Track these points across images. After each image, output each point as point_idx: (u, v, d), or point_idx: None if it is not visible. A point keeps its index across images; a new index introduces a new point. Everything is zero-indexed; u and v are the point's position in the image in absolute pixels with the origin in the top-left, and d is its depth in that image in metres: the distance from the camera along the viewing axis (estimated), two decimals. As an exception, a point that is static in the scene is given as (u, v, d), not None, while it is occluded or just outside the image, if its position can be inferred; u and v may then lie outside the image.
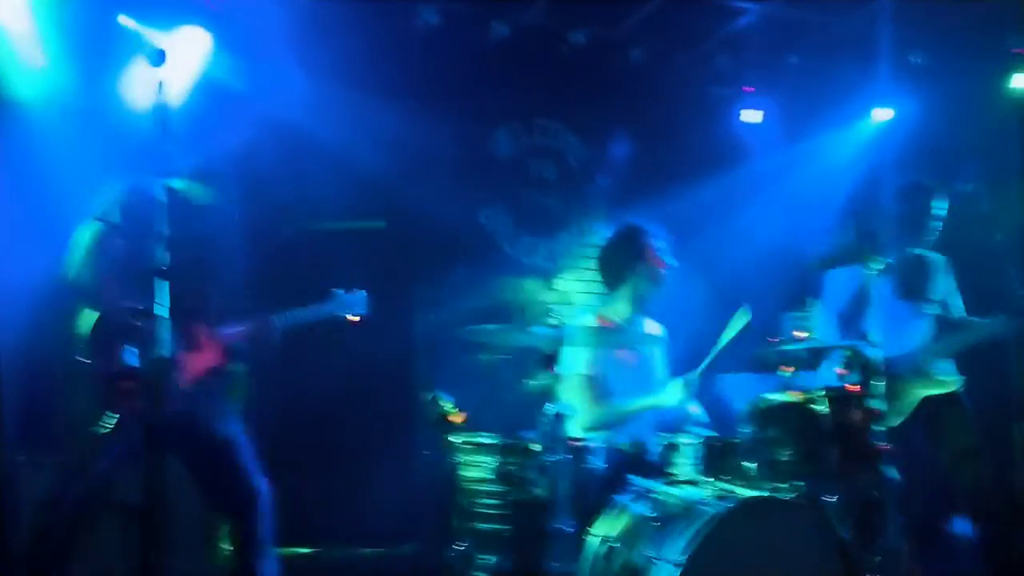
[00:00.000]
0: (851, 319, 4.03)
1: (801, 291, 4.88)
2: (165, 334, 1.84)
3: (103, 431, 2.72)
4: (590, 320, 3.73)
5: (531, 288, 5.92)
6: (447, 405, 3.41)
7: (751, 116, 6.42)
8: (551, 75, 5.97)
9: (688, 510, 2.81)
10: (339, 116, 5.14)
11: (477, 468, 3.11)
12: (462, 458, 3.16)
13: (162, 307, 1.88)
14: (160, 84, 2.30)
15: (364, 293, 3.56)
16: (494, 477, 3.04)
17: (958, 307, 4.06)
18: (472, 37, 5.59)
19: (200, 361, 3.04)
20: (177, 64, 4.60)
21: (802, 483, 2.96)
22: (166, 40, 4.56)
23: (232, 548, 3.15)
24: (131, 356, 2.60)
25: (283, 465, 4.98)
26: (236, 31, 4.88)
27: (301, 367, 4.95)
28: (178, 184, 3.16)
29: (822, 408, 2.94)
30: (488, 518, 3.05)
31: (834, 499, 2.99)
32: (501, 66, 5.71)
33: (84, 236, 2.86)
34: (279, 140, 5.03)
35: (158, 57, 2.34)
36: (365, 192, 5.25)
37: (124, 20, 4.62)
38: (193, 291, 2.94)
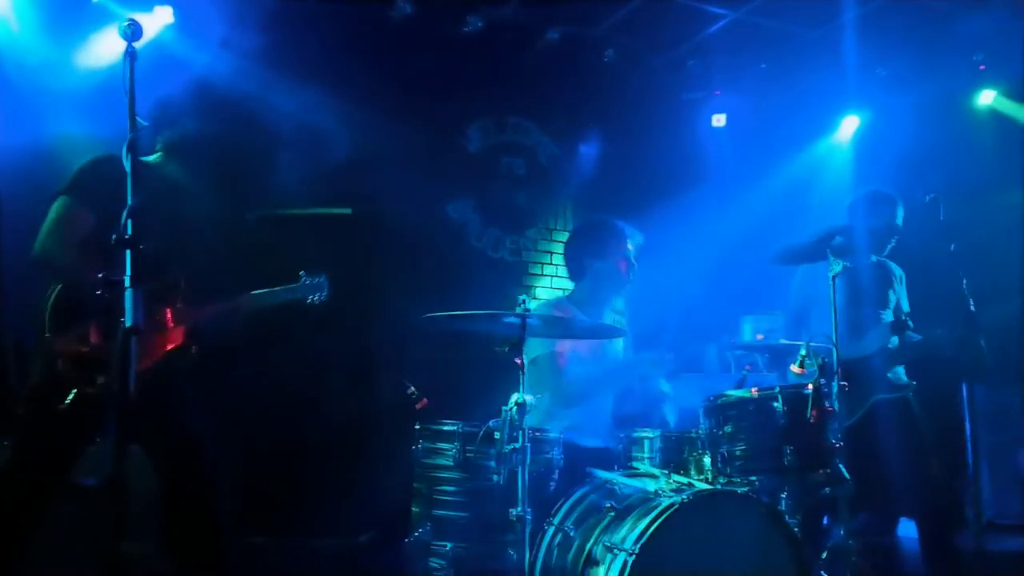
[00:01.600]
0: (808, 320, 4.11)
1: (761, 292, 4.98)
2: (130, 306, 1.82)
3: (62, 407, 2.67)
4: (552, 310, 3.75)
5: (496, 280, 5.96)
6: (410, 392, 3.41)
7: (720, 120, 6.52)
8: (524, 72, 6.01)
9: (644, 501, 2.85)
10: (309, 103, 5.11)
11: (437, 455, 3.11)
12: (423, 445, 3.16)
13: (127, 278, 1.86)
14: (129, 57, 2.24)
15: (325, 278, 3.52)
16: (453, 464, 3.05)
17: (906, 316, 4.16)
18: (447, 29, 5.60)
19: (164, 341, 2.99)
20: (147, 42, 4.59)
21: (755, 478, 3.01)
22: (140, 18, 4.52)
23: (181, 536, 3.06)
24: (94, 329, 2.58)
25: (241, 454, 4.98)
26: (204, 17, 4.84)
27: (259, 356, 4.93)
28: (150, 159, 3.14)
29: (777, 405, 2.99)
30: (447, 505, 3.06)
31: (786, 494, 3.06)
32: (475, 60, 5.74)
33: (51, 209, 2.82)
34: (247, 125, 5.02)
35: (132, 31, 2.28)
36: (333, 179, 5.24)
37: (97, -3, 4.58)
38: (161, 269, 2.92)
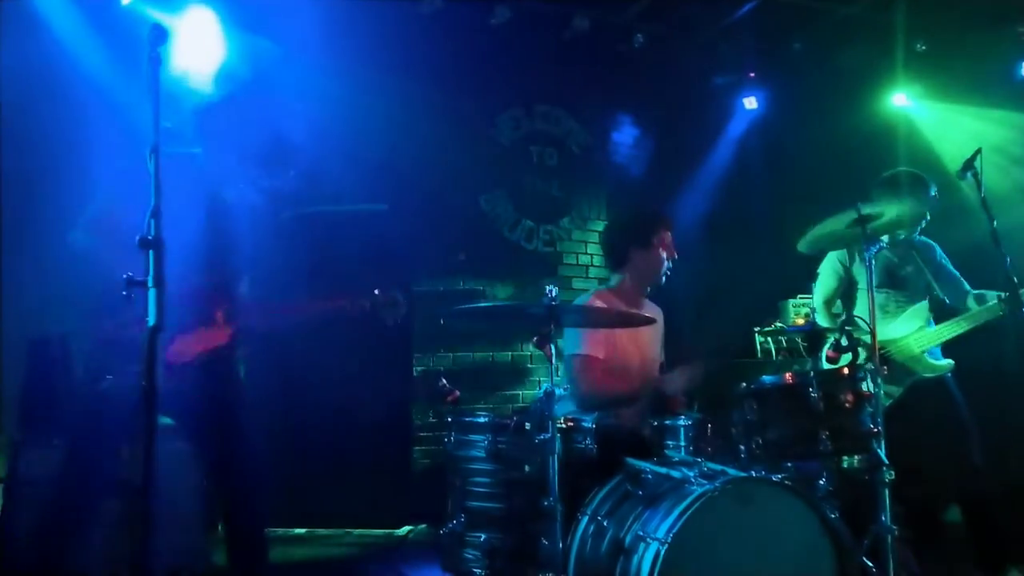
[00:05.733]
0: (843, 303, 4.04)
1: (802, 275, 4.89)
2: (153, 305, 1.86)
3: (94, 405, 2.73)
4: (588, 300, 3.73)
5: (531, 271, 5.95)
6: (441, 384, 3.42)
7: (752, 103, 6.42)
8: (553, 60, 5.98)
9: (677, 489, 2.82)
10: (340, 98, 5.16)
11: (469, 447, 3.12)
12: (455, 437, 3.17)
13: (150, 279, 1.90)
14: (158, 60, 2.26)
15: (400, 295, 3.46)
16: (485, 456, 3.05)
17: (959, 289, 4.05)
18: (475, 20, 5.59)
19: (210, 338, 3.03)
20: (187, 46, 4.67)
21: (791, 465, 2.97)
22: (173, 21, 4.60)
23: (227, 529, 3.14)
24: (124, 323, 2.63)
25: (279, 446, 5.05)
26: (239, 13, 4.91)
27: (298, 349, 5.00)
28: (190, 157, 3.16)
29: (812, 390, 2.94)
30: (480, 496, 3.07)
31: (823, 481, 3.01)
32: (503, 51, 5.72)
33: (92, 207, 2.88)
34: (279, 122, 5.08)
35: (159, 35, 2.29)
36: (366, 175, 5.27)
37: (127, 1, 4.66)
38: (212, 268, 2.96)
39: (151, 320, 1.81)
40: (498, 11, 5.56)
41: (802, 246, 3.49)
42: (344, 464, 5.18)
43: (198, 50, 4.67)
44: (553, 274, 6.02)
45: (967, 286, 4.02)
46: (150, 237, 1.90)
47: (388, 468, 5.19)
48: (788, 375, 3.05)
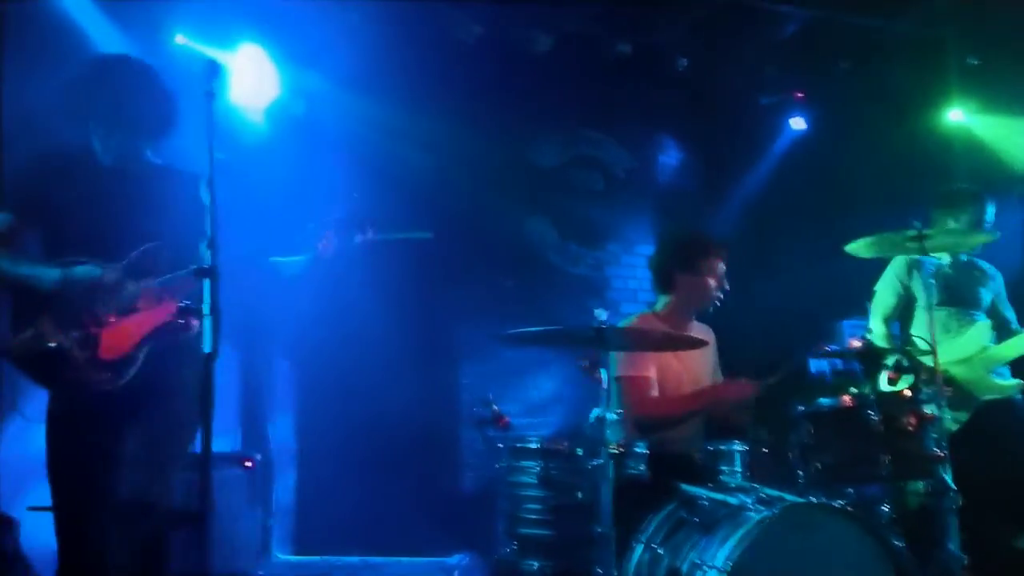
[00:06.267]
0: (902, 324, 3.93)
1: (858, 295, 4.79)
2: (209, 333, 1.86)
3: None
4: (635, 322, 3.70)
5: (577, 295, 5.92)
6: (492, 409, 3.41)
7: (799, 123, 6.35)
8: (596, 85, 5.99)
9: (734, 516, 2.76)
10: (386, 127, 5.23)
11: (521, 473, 3.10)
12: (506, 462, 3.15)
13: (206, 306, 1.90)
14: (208, 96, 2.31)
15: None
16: (536, 482, 3.02)
17: (1009, 316, 3.94)
18: (516, 47, 5.64)
19: (141, 322, 2.60)
20: (240, 81, 4.78)
21: (852, 490, 2.88)
22: (225, 57, 4.72)
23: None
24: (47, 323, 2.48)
25: (330, 473, 5.08)
26: (288, 48, 5.02)
27: (347, 375, 5.04)
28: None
29: (872, 413, 2.86)
30: (532, 523, 3.03)
31: (887, 507, 2.92)
32: (545, 76, 5.75)
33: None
34: (326, 151, 5.16)
35: (214, 70, 2.34)
36: (412, 202, 5.32)
37: (180, 39, 4.79)
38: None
39: (207, 347, 1.83)
40: (540, 39, 5.60)
41: (854, 248, 3.41)
42: (394, 491, 5.18)
43: (250, 85, 4.78)
44: (600, 298, 5.98)
45: (1016, 325, 3.91)
46: (206, 266, 1.92)
47: (437, 495, 5.18)
48: (846, 397, 2.98)
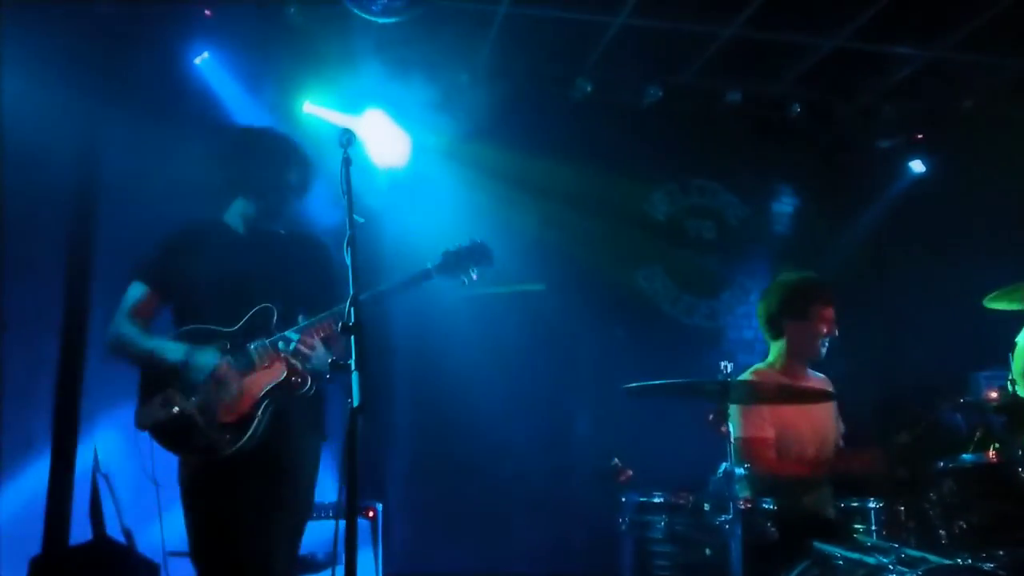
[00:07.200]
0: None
1: (994, 344, 4.55)
2: (356, 388, 1.93)
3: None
4: (751, 376, 3.62)
5: (693, 346, 5.84)
6: (614, 463, 3.38)
7: (920, 166, 6.16)
8: (707, 134, 5.99)
9: (872, 578, 2.65)
10: (498, 184, 5.36)
11: (646, 528, 3.05)
12: (630, 517, 3.11)
13: (352, 362, 1.97)
14: (346, 163, 2.43)
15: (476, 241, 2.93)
16: (663, 537, 2.98)
17: None
18: (626, 101, 5.71)
19: (257, 381, 2.67)
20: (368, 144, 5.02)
21: (1002, 552, 2.72)
22: (351, 122, 4.96)
23: None
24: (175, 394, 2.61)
25: (444, 525, 5.11)
26: (408, 111, 5.23)
27: (461, 427, 5.11)
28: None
29: (1022, 470, 2.70)
30: (659, 581, 2.99)
31: (1041, 571, 2.73)
32: (656, 128, 5.79)
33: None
34: (443, 207, 5.32)
35: (347, 139, 2.46)
36: (525, 256, 5.40)
37: (309, 107, 5.07)
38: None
39: (355, 402, 1.91)
40: (649, 91, 5.65)
41: (993, 302, 3.26)
42: (509, 546, 5.18)
43: (377, 147, 5.01)
44: (715, 349, 5.88)
45: None
46: (351, 323, 2.01)
47: (553, 550, 5.14)
48: (991, 452, 2.83)
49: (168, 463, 2.83)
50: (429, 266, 2.83)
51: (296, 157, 2.95)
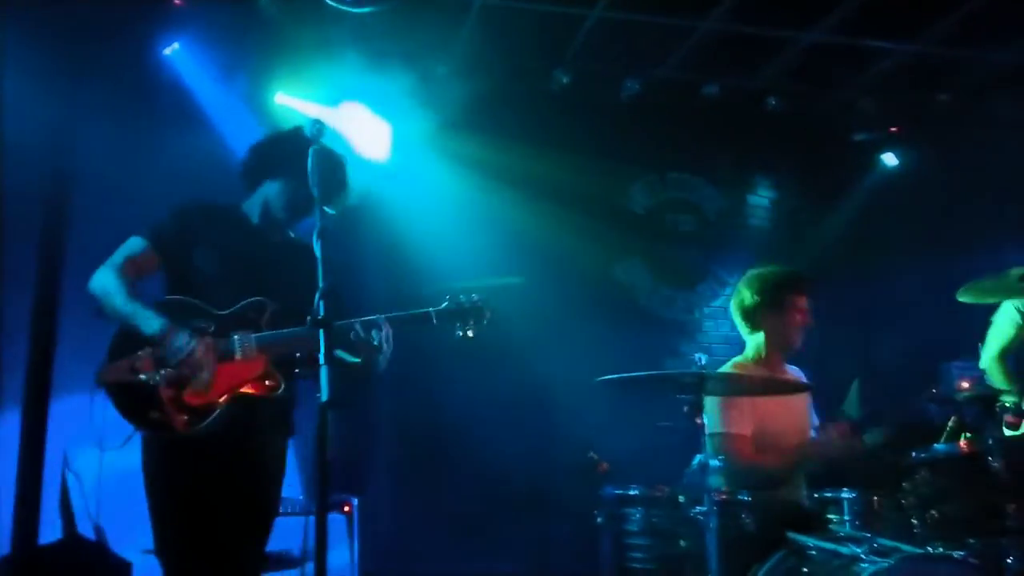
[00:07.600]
0: (1018, 360, 3.74)
1: (966, 335, 4.60)
2: (325, 383, 1.91)
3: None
4: (728, 368, 3.62)
5: (670, 339, 5.85)
6: (591, 456, 3.38)
7: (893, 159, 6.20)
8: (685, 127, 5.99)
9: (846, 568, 2.66)
10: (476, 176, 5.34)
11: (623, 520, 3.05)
12: (607, 510, 3.11)
13: (322, 356, 1.95)
14: (316, 154, 2.38)
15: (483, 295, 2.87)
16: (639, 529, 2.98)
17: None
18: (604, 94, 5.70)
19: (239, 372, 2.61)
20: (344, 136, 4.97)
21: (974, 541, 2.74)
22: (326, 113, 4.91)
23: None
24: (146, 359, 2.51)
25: (423, 519, 5.09)
26: (384, 103, 5.19)
27: (441, 422, 5.08)
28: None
29: (994, 459, 2.72)
30: (636, 572, 2.98)
31: (1012, 560, 2.76)
32: (634, 121, 5.79)
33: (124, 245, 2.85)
34: (419, 199, 5.30)
35: (317, 129, 2.41)
36: (503, 248, 5.38)
37: (281, 98, 5.02)
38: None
39: (324, 396, 1.88)
40: (627, 84, 5.65)
41: (965, 295, 3.28)
42: (489, 539, 5.17)
43: (353, 139, 4.97)
44: (692, 342, 5.90)
45: None
46: (320, 317, 1.99)
47: (533, 542, 5.14)
48: (963, 443, 2.85)
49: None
50: (431, 310, 2.72)
51: (344, 174, 2.85)
